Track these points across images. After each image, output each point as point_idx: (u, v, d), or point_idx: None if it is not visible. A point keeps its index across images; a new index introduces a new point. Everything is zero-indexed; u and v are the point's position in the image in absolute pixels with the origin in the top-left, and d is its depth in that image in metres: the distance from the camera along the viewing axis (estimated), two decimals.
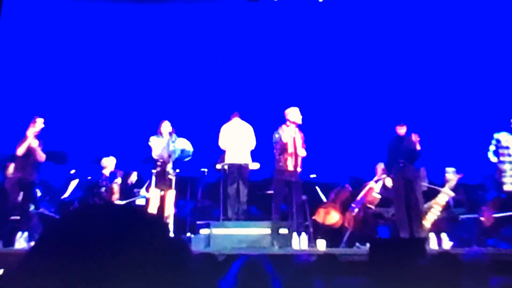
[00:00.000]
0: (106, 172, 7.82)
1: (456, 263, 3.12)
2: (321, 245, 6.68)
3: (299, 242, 6.55)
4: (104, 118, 9.68)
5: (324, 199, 8.15)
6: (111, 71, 9.98)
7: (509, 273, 2.92)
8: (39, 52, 9.74)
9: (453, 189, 7.34)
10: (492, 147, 7.01)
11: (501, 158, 6.92)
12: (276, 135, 6.99)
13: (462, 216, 7.50)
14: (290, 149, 6.86)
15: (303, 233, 6.67)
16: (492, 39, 9.52)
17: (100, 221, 0.87)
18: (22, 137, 6.77)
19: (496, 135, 7.02)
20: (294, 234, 6.60)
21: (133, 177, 8.50)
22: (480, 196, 8.35)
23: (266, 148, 7.34)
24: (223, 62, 10.20)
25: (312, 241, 6.79)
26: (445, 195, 7.26)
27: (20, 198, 6.75)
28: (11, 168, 7.09)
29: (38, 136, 6.84)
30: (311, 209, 7.48)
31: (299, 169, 6.93)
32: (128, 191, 8.14)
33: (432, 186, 7.43)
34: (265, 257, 2.36)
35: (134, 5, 9.98)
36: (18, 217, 6.70)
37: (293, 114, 7.02)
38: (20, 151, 6.72)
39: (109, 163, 7.90)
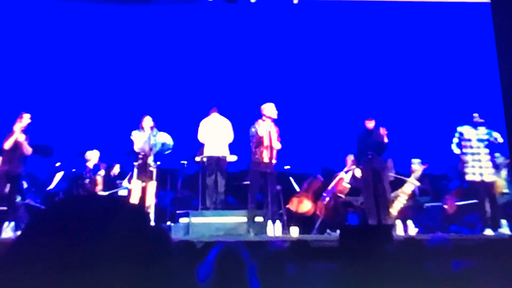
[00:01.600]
0: (90, 164, 7.73)
1: (421, 248, 3.17)
2: (294, 232, 6.73)
3: (274, 230, 6.59)
4: (88, 114, 9.55)
5: (297, 189, 8.19)
6: (95, 68, 9.84)
7: (470, 257, 2.98)
8: (25, 49, 9.55)
9: (419, 179, 7.46)
10: (455, 140, 7.12)
11: (464, 150, 7.03)
12: (253, 129, 7.01)
13: (427, 204, 7.64)
14: (266, 142, 6.89)
15: (278, 221, 6.72)
16: (457, 36, 9.66)
17: (84, 211, 0.87)
18: (9, 132, 6.72)
19: (459, 129, 7.13)
20: (269, 222, 6.64)
21: (116, 169, 8.41)
22: (444, 185, 8.50)
23: (243, 141, 7.35)
24: (202, 60, 10.15)
25: (285, 228, 6.84)
26: (411, 184, 7.37)
27: (7, 189, 6.67)
28: None
29: (25, 131, 6.78)
30: (285, 198, 7.52)
31: (274, 161, 6.96)
32: (111, 182, 8.06)
33: (399, 176, 7.53)
34: (241, 244, 2.37)
35: (116, 5, 9.83)
36: (5, 208, 6.61)
37: (269, 109, 7.05)
38: (7, 145, 6.65)
39: (93, 156, 7.81)
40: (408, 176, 7.52)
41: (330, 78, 10.09)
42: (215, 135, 7.50)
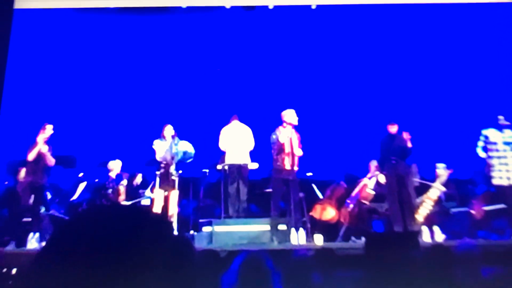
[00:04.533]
0: (113, 174, 7.81)
1: (448, 255, 3.11)
2: (318, 240, 6.68)
3: (297, 238, 6.55)
4: (110, 123, 9.68)
5: (320, 196, 8.14)
6: (116, 79, 9.99)
7: (499, 263, 2.91)
8: (47, 61, 9.74)
9: (444, 184, 7.34)
10: (480, 143, 6.99)
11: (490, 154, 6.91)
12: (274, 136, 6.99)
13: (453, 210, 7.51)
14: (287, 149, 6.86)
15: (301, 229, 6.67)
16: (481, 38, 9.51)
17: (107, 221, 0.87)
18: (33, 143, 6.83)
19: (484, 132, 7.01)
20: (293, 229, 6.60)
21: (138, 179, 8.49)
22: (470, 190, 8.35)
23: (264, 148, 7.34)
24: (221, 68, 10.21)
25: (309, 236, 6.79)
26: (436, 190, 7.26)
27: (31, 201, 6.78)
28: (22, 172, 7.09)
29: (48, 142, 6.89)
30: (308, 205, 7.49)
31: (296, 168, 6.93)
32: (133, 192, 8.12)
33: (424, 182, 7.43)
34: (265, 253, 2.36)
35: (137, 16, 9.98)
36: (30, 219, 6.72)
37: (289, 116, 7.03)
38: (31, 156, 6.76)
39: (115, 166, 7.89)
40: (433, 181, 7.41)
41: (351, 82, 10.03)
42: (236, 142, 7.51)
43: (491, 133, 6.94)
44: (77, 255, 0.80)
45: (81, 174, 8.47)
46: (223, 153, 7.61)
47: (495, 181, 6.82)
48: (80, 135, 9.31)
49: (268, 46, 10.14)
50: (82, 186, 8.19)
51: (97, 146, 9.26)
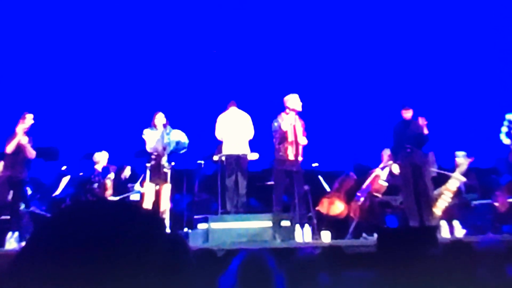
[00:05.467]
0: (99, 167, 7.82)
1: (470, 252, 3.12)
2: (325, 237, 6.69)
3: (303, 235, 6.57)
4: (95, 111, 9.68)
5: (328, 189, 8.17)
6: (101, 61, 9.97)
7: None
8: (27, 46, 9.72)
9: (464, 174, 7.34)
10: (504, 129, 6.96)
11: None
12: (275, 124, 6.99)
13: (474, 202, 7.52)
14: (290, 138, 6.86)
15: (306, 225, 6.69)
16: (507, 19, 9.47)
17: (93, 218, 0.87)
18: (11, 134, 6.80)
19: (508, 116, 6.98)
20: (297, 226, 6.61)
21: (127, 172, 8.51)
22: (494, 180, 8.36)
23: (265, 137, 7.34)
24: (217, 49, 10.17)
25: (316, 233, 6.80)
26: (456, 180, 7.26)
27: (10, 197, 6.78)
28: (0, 166, 7.10)
29: (28, 133, 6.87)
30: (314, 199, 7.51)
31: (300, 158, 6.93)
32: (121, 186, 8.15)
33: (442, 172, 7.44)
34: (267, 251, 2.37)
35: None
36: (8, 217, 6.73)
37: (293, 101, 7.01)
38: (10, 148, 6.76)
39: (101, 158, 7.89)
40: (452, 171, 7.41)
41: (361, 63, 9.99)
42: (234, 131, 7.51)
43: None
44: (60, 256, 0.80)
45: (64, 167, 8.48)
46: (220, 142, 7.62)
47: None
48: (63, 125, 9.32)
49: (269, 23, 10.10)
50: (65, 180, 8.21)
51: (82, 136, 9.28)
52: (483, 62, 9.60)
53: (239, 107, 7.78)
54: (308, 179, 7.35)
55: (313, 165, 8.44)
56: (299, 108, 7.01)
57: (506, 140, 6.97)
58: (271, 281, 2.11)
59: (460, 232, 6.79)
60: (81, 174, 8.09)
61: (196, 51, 10.14)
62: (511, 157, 7.01)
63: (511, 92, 7.80)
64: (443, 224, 6.81)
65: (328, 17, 10.03)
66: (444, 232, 6.69)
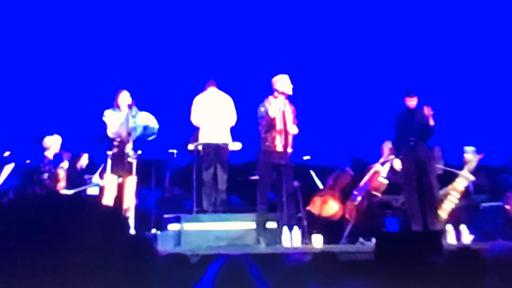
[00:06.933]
0: (49, 154, 7.73)
1: (478, 260, 3.16)
2: (317, 241, 6.73)
3: (291, 239, 6.60)
4: (46, 88, 9.57)
5: (321, 186, 8.22)
6: (55, 31, 9.83)
7: None
8: None
9: (473, 172, 7.44)
10: None
11: None
12: (262, 109, 6.98)
13: (484, 204, 7.63)
14: (279, 126, 6.86)
15: (296, 227, 6.72)
16: None
17: (42, 215, 0.85)
18: None
19: None
20: (285, 228, 6.64)
21: (84, 160, 8.44)
22: (505, 180, 8.47)
23: (250, 124, 7.34)
24: (195, 18, 10.11)
25: (306, 236, 6.85)
26: (464, 179, 7.35)
27: None
28: None
29: None
30: (304, 197, 7.58)
31: (289, 150, 6.94)
32: (77, 177, 8.09)
33: (449, 169, 7.51)
34: (249, 258, 2.37)
35: None
36: None
37: (282, 82, 7.00)
38: None
39: (53, 143, 7.80)
40: (460, 168, 7.50)
41: (359, 43, 10.03)
42: (213, 116, 7.49)
43: None
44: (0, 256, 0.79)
45: (7, 153, 8.39)
46: (196, 129, 7.60)
47: None
48: (6, 103, 9.21)
49: None
50: (8, 168, 8.10)
51: (29, 117, 9.18)
52: (494, 49, 9.71)
53: (220, 87, 7.75)
54: (298, 174, 7.37)
55: (304, 158, 8.48)
56: (290, 92, 7.01)
57: None
58: None
59: (467, 238, 6.88)
60: (27, 161, 8.00)
61: (169, 19, 10.05)
62: None
63: None
64: (449, 228, 6.89)
65: None
66: (450, 237, 6.77)
